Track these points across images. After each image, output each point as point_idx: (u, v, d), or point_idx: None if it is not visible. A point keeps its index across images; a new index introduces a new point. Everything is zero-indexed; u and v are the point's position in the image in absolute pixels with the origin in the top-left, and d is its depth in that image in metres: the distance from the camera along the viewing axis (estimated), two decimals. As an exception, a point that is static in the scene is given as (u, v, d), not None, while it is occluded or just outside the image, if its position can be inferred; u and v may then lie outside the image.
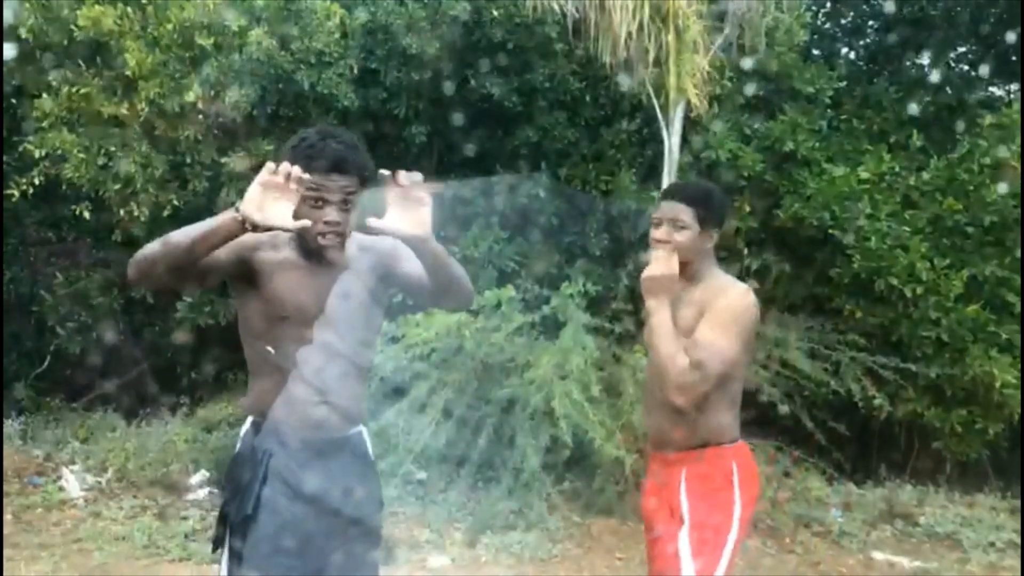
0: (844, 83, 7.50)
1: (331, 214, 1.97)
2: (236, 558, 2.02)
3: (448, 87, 6.98)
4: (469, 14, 6.69)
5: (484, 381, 5.66)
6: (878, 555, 5.14)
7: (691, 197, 2.46)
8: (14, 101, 6.70)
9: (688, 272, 2.43)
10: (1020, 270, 6.28)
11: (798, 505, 5.54)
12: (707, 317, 2.33)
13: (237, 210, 1.82)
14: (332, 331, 2.06)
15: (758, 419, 6.51)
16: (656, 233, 2.45)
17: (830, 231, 6.55)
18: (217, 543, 2.09)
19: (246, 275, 2.04)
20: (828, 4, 8.99)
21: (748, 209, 6.96)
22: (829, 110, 7.44)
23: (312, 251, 2.05)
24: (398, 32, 6.54)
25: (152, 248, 1.91)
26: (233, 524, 2.03)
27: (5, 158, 7.39)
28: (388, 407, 5.35)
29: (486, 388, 5.62)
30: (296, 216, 1.88)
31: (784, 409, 5.81)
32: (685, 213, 2.42)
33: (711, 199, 2.49)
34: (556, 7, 5.97)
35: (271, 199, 1.82)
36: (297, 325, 2.03)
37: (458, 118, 7.02)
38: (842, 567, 4.97)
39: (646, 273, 2.39)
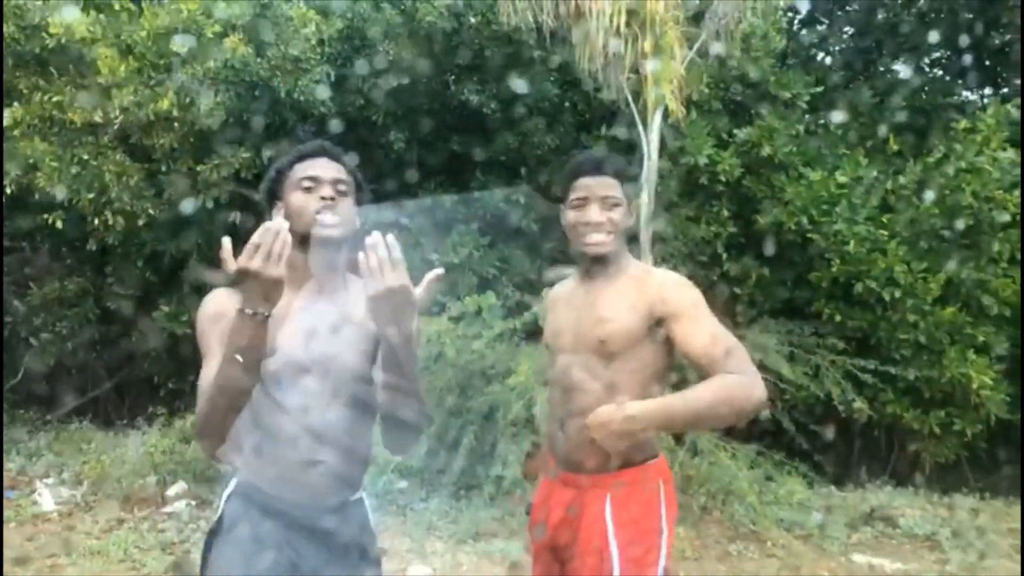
0: (821, 88, 7.55)
1: (326, 190, 1.79)
2: None
3: (426, 94, 6.97)
4: (446, 21, 6.68)
5: (465, 388, 5.63)
6: (859, 557, 5.15)
7: (618, 170, 2.10)
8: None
9: (612, 260, 2.10)
10: (1020, 270, 6.34)
11: (780, 509, 5.54)
12: (687, 319, 1.96)
13: (243, 311, 1.57)
14: (326, 378, 1.79)
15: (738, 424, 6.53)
16: (589, 214, 2.06)
17: (808, 235, 6.58)
18: None
19: None
20: (804, 10, 9.07)
21: (726, 214, 6.99)
22: (806, 115, 7.49)
23: (304, 276, 1.80)
24: (375, 39, 6.52)
25: (204, 423, 1.67)
26: None
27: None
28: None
29: (467, 395, 5.60)
30: (290, 218, 1.75)
31: (764, 413, 5.83)
32: (616, 188, 2.07)
33: (629, 170, 2.19)
34: (530, 17, 5.96)
35: (264, 273, 1.54)
36: (287, 372, 1.76)
37: (436, 125, 7.02)
38: (823, 570, 4.98)
39: (601, 420, 1.92)
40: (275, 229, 1.55)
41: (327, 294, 1.84)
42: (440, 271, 1.69)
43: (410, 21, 6.58)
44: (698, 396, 1.88)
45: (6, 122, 5.79)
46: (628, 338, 2.01)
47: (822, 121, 7.66)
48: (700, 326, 1.95)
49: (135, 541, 4.74)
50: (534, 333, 5.89)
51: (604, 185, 2.06)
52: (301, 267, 1.80)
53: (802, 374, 6.08)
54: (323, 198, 1.78)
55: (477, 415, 5.44)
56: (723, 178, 6.86)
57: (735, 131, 7.18)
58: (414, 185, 7.22)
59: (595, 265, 2.12)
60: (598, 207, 2.06)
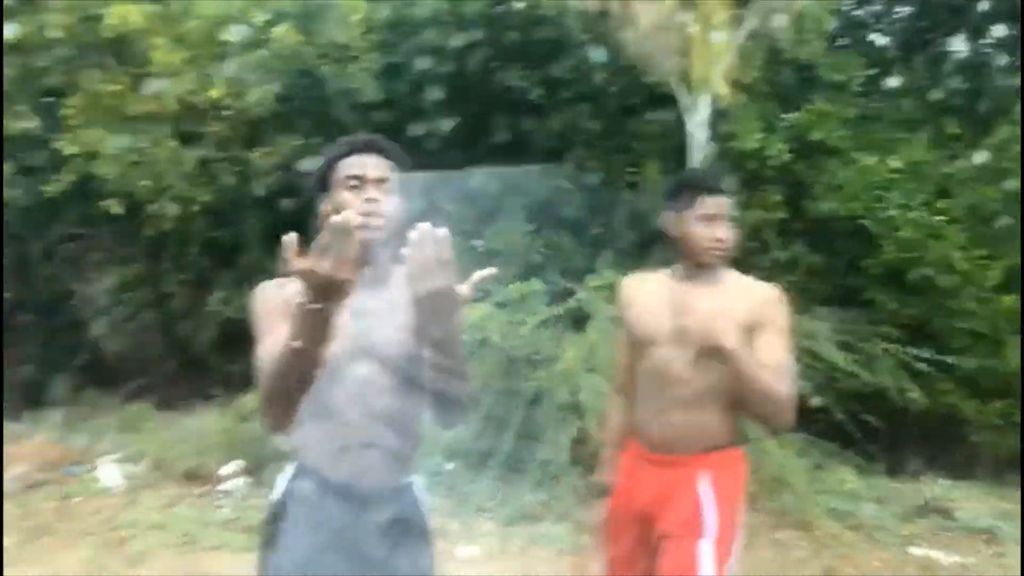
0: (875, 70, 7.37)
1: (370, 191, 1.80)
2: None
3: (471, 80, 6.99)
4: (491, 7, 6.69)
5: (510, 374, 5.66)
6: (915, 550, 5.06)
7: (728, 188, 2.32)
8: (50, 100, 6.82)
9: (712, 269, 2.31)
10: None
11: (830, 498, 5.47)
12: (772, 331, 2.22)
13: (302, 306, 1.53)
14: (376, 362, 1.82)
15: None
16: (719, 231, 2.27)
17: (861, 221, 6.45)
18: None
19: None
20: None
21: (776, 200, 6.88)
22: (859, 98, 7.32)
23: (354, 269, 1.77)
24: (422, 25, 6.55)
25: (268, 402, 1.68)
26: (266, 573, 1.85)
27: (40, 156, 7.53)
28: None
29: (512, 381, 5.63)
30: (336, 213, 1.71)
31: (816, 402, 5.75)
32: (730, 207, 2.29)
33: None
34: (576, 1, 5.93)
35: (334, 276, 1.49)
36: (338, 357, 1.77)
37: (482, 110, 7.04)
38: (876, 561, 4.91)
39: (720, 333, 2.10)
40: (344, 225, 1.47)
41: (376, 281, 1.86)
42: (490, 271, 1.70)
43: (456, 7, 6.60)
44: (762, 372, 2.11)
45: (69, 111, 5.98)
46: (733, 338, 2.16)
47: (876, 104, 7.48)
48: (781, 341, 2.22)
49: (193, 517, 4.89)
50: (580, 320, 5.89)
51: (729, 205, 2.31)
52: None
53: (854, 362, 5.97)
54: (368, 200, 1.79)
55: (523, 400, 5.47)
56: (772, 163, 6.75)
57: (785, 115, 7.06)
58: (459, 171, 7.26)
59: (701, 269, 2.32)
60: (726, 225, 2.29)
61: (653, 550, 2.29)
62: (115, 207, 6.27)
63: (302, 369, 1.61)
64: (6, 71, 6.04)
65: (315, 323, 1.54)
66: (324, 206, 1.86)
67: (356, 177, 1.83)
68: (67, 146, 5.95)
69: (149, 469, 5.78)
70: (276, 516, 1.86)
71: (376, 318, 1.84)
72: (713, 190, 2.29)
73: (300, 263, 1.48)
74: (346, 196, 1.81)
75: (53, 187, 6.18)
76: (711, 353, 2.13)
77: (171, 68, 5.90)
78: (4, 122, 5.99)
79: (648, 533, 2.31)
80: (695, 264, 2.32)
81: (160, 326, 7.63)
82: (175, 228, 6.73)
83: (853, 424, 5.91)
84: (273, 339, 1.70)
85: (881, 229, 6.36)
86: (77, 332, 7.65)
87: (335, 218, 1.47)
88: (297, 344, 1.56)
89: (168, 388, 7.98)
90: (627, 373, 2.47)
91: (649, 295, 2.40)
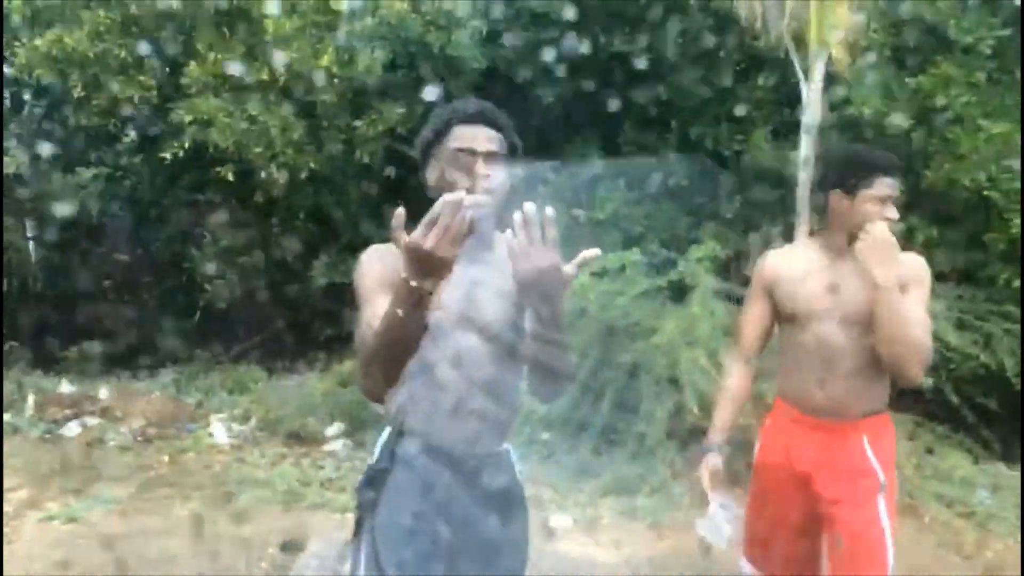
0: (1007, 31, 6.87)
1: (479, 167, 1.77)
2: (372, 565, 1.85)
3: (576, 47, 6.87)
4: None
5: (608, 345, 5.61)
6: (1031, 541, 4.81)
7: (900, 168, 2.38)
8: (167, 70, 7.10)
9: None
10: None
11: (940, 484, 5.23)
12: (916, 295, 2.31)
13: (407, 282, 1.51)
14: (479, 330, 1.83)
15: (898, 391, 6.19)
16: (891, 212, 2.32)
17: (985, 193, 6.07)
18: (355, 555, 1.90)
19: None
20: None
21: (893, 170, 6.54)
22: (988, 62, 6.85)
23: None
24: (526, -9, 6.49)
25: (367, 369, 1.69)
26: (368, 535, 1.86)
27: (159, 125, 7.86)
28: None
29: (610, 352, 5.58)
30: (443, 185, 1.75)
31: (928, 383, 5.49)
32: (898, 187, 2.35)
33: None
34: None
35: (438, 253, 1.47)
36: (440, 325, 1.77)
37: (586, 78, 6.92)
38: (988, 551, 4.68)
39: (879, 239, 2.23)
40: (456, 204, 1.44)
41: (480, 251, 1.83)
42: (595, 251, 1.65)
43: (562, -28, 6.50)
44: (912, 318, 2.23)
45: (184, 80, 6.20)
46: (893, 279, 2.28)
47: (1007, 68, 6.98)
48: (920, 303, 2.32)
49: (297, 476, 5.07)
50: (681, 291, 5.78)
51: (895, 185, 2.35)
52: None
53: (971, 343, 5.66)
54: (477, 175, 1.76)
55: (620, 372, 5.42)
56: (891, 131, 6.42)
57: (907, 80, 6.68)
58: (562, 140, 7.20)
59: (851, 244, 2.35)
60: (895, 206, 2.34)
61: (811, 509, 2.46)
62: (228, 173, 6.49)
63: (402, 340, 1.61)
64: (130, 43, 6.31)
65: (416, 298, 1.53)
66: (432, 175, 1.85)
67: (466, 150, 1.79)
68: (184, 114, 6.18)
69: (255, 428, 6.03)
70: (377, 479, 1.88)
71: (480, 288, 1.83)
72: (890, 170, 2.35)
73: (406, 238, 1.47)
74: (455, 171, 1.79)
75: (169, 154, 6.44)
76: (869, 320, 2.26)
77: (283, 37, 6.04)
78: (127, 91, 6.28)
79: (805, 493, 2.45)
80: (846, 238, 2.35)
81: (268, 290, 7.92)
82: (284, 195, 6.93)
83: (968, 408, 5.63)
84: (373, 309, 1.71)
85: (1007, 201, 5.96)
86: (191, 294, 8.01)
87: (447, 196, 1.45)
88: (398, 315, 1.55)
89: (274, 350, 8.30)
90: (758, 342, 2.59)
91: (802, 270, 2.47)
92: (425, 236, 1.45)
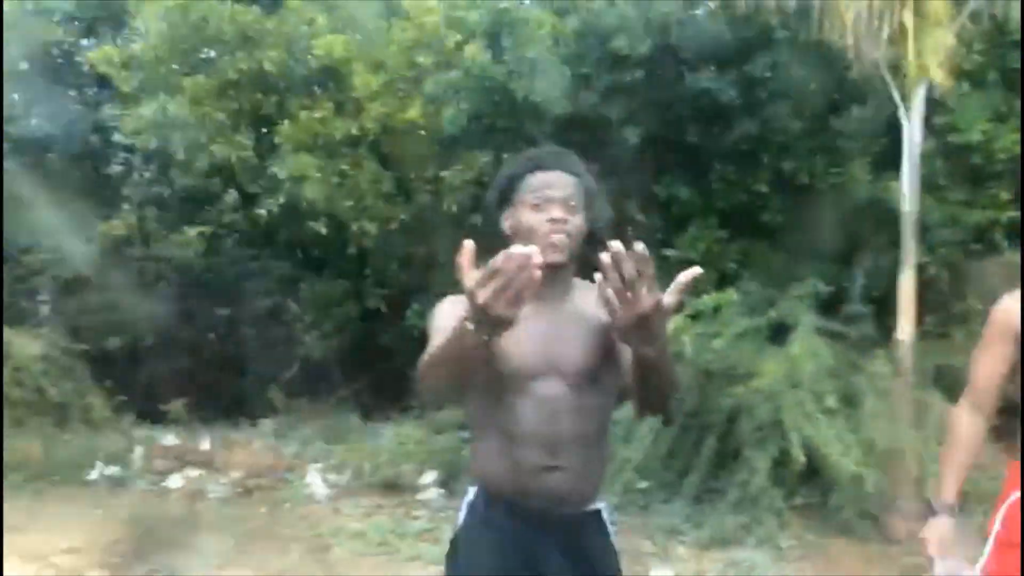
0: None
1: (555, 211, 1.72)
2: None
3: (661, 85, 6.80)
4: (682, 9, 6.49)
5: (705, 389, 5.42)
6: None
7: None
8: (263, 130, 7.38)
9: None
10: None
11: None
12: None
13: (463, 324, 1.46)
14: (562, 381, 1.74)
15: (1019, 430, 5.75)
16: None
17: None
18: None
19: None
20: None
21: (1005, 196, 6.19)
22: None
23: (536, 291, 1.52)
24: (609, 34, 6.46)
25: (429, 380, 1.65)
26: None
27: (257, 182, 8.16)
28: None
29: (709, 396, 5.38)
30: (518, 232, 1.73)
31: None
32: None
33: None
34: (770, 0, 5.61)
35: (493, 310, 1.38)
36: (522, 376, 1.72)
37: (672, 117, 6.83)
38: None
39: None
40: (520, 259, 1.33)
41: (556, 299, 1.77)
42: (695, 270, 1.51)
43: (645, 13, 6.46)
44: None
45: (279, 139, 6.42)
46: None
47: None
48: None
49: (391, 527, 5.05)
50: (781, 331, 5.55)
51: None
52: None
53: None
54: (553, 220, 1.72)
55: (720, 417, 5.21)
56: (1001, 156, 6.08)
57: (1015, 102, 6.34)
58: (650, 180, 7.09)
59: None
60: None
61: None
62: (321, 226, 6.66)
63: (459, 362, 1.52)
64: (228, 106, 6.60)
65: (474, 341, 1.44)
66: (508, 223, 1.81)
67: (540, 196, 1.74)
68: (279, 171, 6.39)
69: (351, 477, 6.05)
70: (459, 542, 1.83)
71: (561, 335, 1.75)
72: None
73: (470, 277, 1.39)
74: (530, 216, 1.74)
75: (265, 210, 6.66)
76: None
77: (371, 93, 6.20)
78: (226, 151, 6.54)
79: None
80: None
81: (363, 339, 8.03)
82: (375, 245, 7.05)
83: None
84: (437, 340, 1.66)
85: None
86: (289, 345, 8.20)
87: (516, 249, 1.35)
88: (455, 347, 1.49)
89: (370, 399, 8.38)
90: (995, 391, 2.31)
91: None
92: (483, 287, 1.36)
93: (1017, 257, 6.17)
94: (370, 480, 5.94)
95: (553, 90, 6.34)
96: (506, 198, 1.82)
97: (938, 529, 2.24)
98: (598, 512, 1.85)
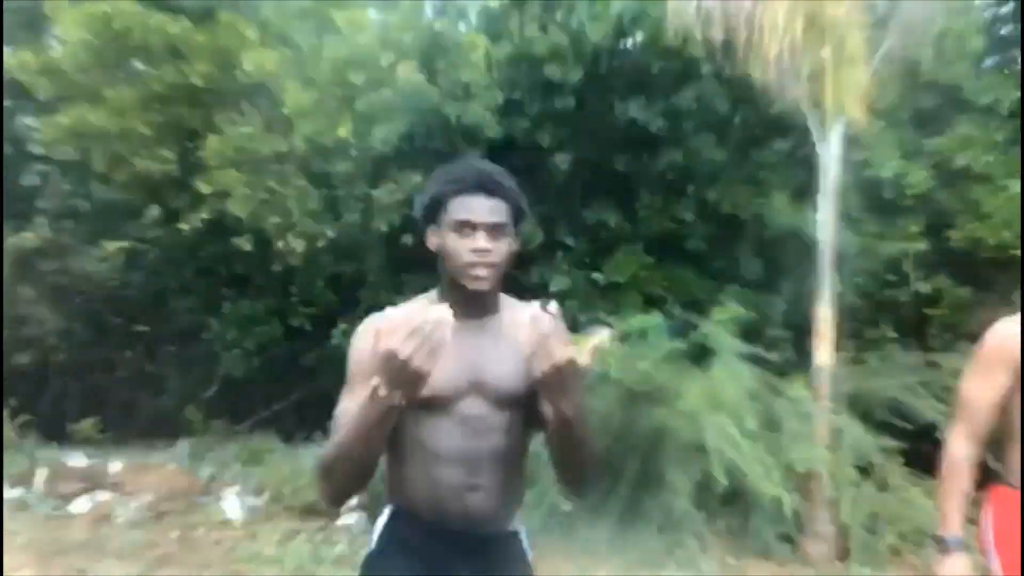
0: (1025, 92, 6.85)
1: (480, 241, 1.72)
2: None
3: (591, 114, 6.92)
4: (612, 40, 6.62)
5: (630, 411, 5.47)
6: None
7: None
8: (189, 144, 7.20)
9: None
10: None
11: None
12: None
13: (377, 394, 1.55)
14: (484, 401, 1.77)
15: (934, 457, 5.96)
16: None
17: (1012, 251, 5.96)
18: None
19: None
20: (1008, 4, 8.26)
21: (916, 230, 6.47)
22: (1007, 122, 6.81)
23: (459, 309, 1.61)
24: (541, 61, 6.55)
25: (326, 467, 1.68)
26: None
27: (181, 198, 7.94)
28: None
29: (632, 418, 5.43)
30: (443, 253, 1.75)
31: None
32: None
33: None
34: (698, 32, 5.78)
35: (412, 364, 1.51)
36: (445, 396, 1.74)
37: (602, 145, 6.94)
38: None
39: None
40: (435, 323, 1.50)
41: (482, 320, 1.81)
42: (606, 335, 1.62)
43: (576, 42, 6.57)
44: None
45: (205, 154, 6.26)
46: None
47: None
48: None
49: (309, 553, 4.91)
50: (703, 355, 5.65)
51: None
52: (457, 302, 1.71)
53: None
54: (475, 250, 1.72)
55: (643, 439, 5.27)
56: (912, 191, 6.36)
57: (925, 141, 6.66)
58: (580, 206, 7.18)
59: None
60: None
61: None
62: (245, 244, 6.51)
63: (364, 444, 1.59)
64: (152, 118, 6.41)
65: (384, 408, 1.54)
66: (433, 241, 1.81)
67: (466, 223, 1.74)
68: (203, 186, 6.22)
69: (269, 501, 5.89)
70: (372, 562, 1.83)
71: (485, 356, 1.78)
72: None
73: (385, 346, 1.51)
74: (454, 241, 1.74)
75: (188, 225, 6.47)
76: None
77: (301, 109, 6.11)
78: (149, 165, 6.34)
79: None
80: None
81: (287, 359, 7.85)
82: (301, 263, 6.93)
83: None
84: (348, 403, 1.71)
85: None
86: (209, 364, 7.97)
87: (431, 313, 1.51)
88: (365, 421, 1.56)
89: (292, 420, 8.19)
90: (989, 421, 2.28)
91: None
92: (405, 344, 1.48)
93: (926, 287, 6.45)
94: (289, 504, 5.78)
95: (485, 114, 6.38)
96: (430, 216, 1.81)
97: (954, 566, 2.18)
98: (516, 534, 1.88)
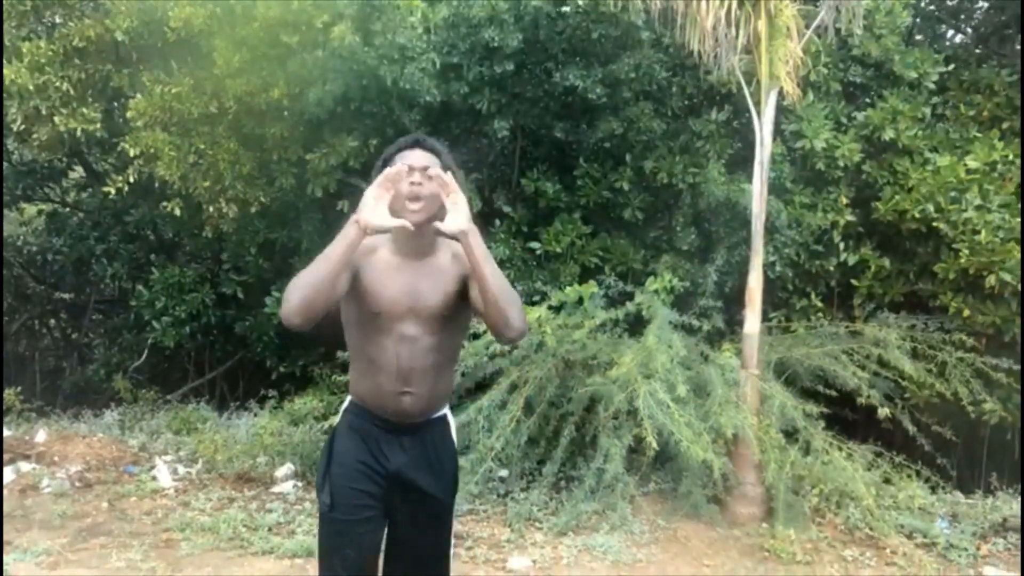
0: (950, 67, 7.06)
1: (414, 175, 2.20)
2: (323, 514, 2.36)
3: (530, 80, 6.87)
4: (552, 5, 6.58)
5: (566, 378, 5.54)
6: (990, 571, 4.79)
7: None
8: (115, 104, 6.94)
9: None
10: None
11: (899, 514, 5.22)
12: None
13: (356, 221, 2.08)
14: (420, 323, 2.25)
15: (857, 422, 6.20)
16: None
17: (934, 224, 6.17)
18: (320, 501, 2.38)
19: (353, 277, 2.24)
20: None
21: (844, 201, 6.65)
22: (934, 96, 7.02)
23: (403, 247, 2.27)
24: (480, 25, 6.46)
25: (301, 287, 2.08)
26: (322, 484, 2.34)
27: (105, 158, 7.66)
28: (468, 403, 5.29)
29: (567, 386, 5.50)
30: (391, 206, 2.15)
31: (884, 412, 5.51)
32: None
33: None
34: (638, 1, 5.78)
35: (381, 204, 2.10)
36: (389, 318, 2.24)
37: (540, 111, 6.91)
38: (949, 582, 4.66)
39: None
40: (394, 177, 2.15)
41: (419, 253, 2.30)
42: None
43: (516, 6, 6.50)
44: None
45: (130, 113, 6.04)
46: None
47: (951, 103, 7.16)
48: None
49: (244, 520, 4.86)
50: (638, 324, 5.74)
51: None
52: (401, 236, 2.25)
53: (925, 372, 5.70)
54: (412, 183, 2.21)
55: (578, 406, 5.34)
56: (841, 163, 6.53)
57: (855, 114, 6.81)
58: (517, 173, 7.16)
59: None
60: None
61: None
62: (175, 208, 6.32)
63: (337, 274, 2.09)
64: (73, 75, 6.14)
65: (355, 239, 2.09)
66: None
67: (404, 165, 2.23)
68: (130, 148, 6.01)
69: (202, 470, 5.80)
70: (334, 435, 2.41)
71: (420, 284, 2.26)
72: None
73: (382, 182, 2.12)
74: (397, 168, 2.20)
75: (114, 188, 6.25)
76: None
77: (232, 70, 5.91)
78: (71, 123, 6.09)
79: None
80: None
81: (218, 327, 7.70)
82: (233, 229, 6.77)
83: (924, 437, 5.65)
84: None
85: (956, 232, 6.07)
86: (138, 332, 7.77)
87: (388, 169, 2.15)
88: (343, 247, 2.08)
89: (223, 389, 8.07)
90: None
91: None
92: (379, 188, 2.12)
93: (852, 257, 6.65)
94: (223, 473, 5.70)
95: (423, 78, 6.27)
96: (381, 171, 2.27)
97: None
98: (444, 418, 2.43)
